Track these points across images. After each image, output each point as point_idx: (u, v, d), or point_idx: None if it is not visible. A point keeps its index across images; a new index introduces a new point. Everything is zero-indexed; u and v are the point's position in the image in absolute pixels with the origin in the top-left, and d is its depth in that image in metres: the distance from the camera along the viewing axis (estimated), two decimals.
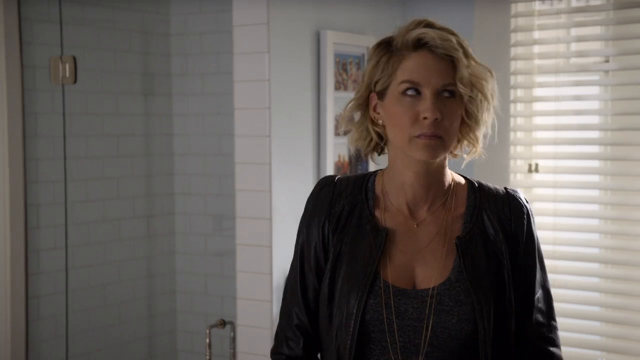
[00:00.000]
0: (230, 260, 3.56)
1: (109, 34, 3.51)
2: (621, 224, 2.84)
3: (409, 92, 1.51)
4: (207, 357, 3.04)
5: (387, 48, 1.56)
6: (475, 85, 1.54)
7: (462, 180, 1.62)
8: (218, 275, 3.68)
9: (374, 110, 1.58)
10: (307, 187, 2.76)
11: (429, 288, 1.52)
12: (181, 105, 3.72)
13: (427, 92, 1.51)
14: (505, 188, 1.63)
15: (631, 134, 2.83)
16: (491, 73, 1.57)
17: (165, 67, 3.71)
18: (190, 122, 3.71)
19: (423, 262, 1.55)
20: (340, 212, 1.56)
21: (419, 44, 1.53)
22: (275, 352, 1.64)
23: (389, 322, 1.51)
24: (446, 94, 1.52)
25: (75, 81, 3.23)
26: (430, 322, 1.52)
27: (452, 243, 1.55)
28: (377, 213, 1.56)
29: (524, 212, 1.59)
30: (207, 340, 3.03)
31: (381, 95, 1.55)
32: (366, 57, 2.92)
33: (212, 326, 3.04)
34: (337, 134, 2.82)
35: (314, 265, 1.58)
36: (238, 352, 2.85)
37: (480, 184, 1.62)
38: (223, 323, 3.04)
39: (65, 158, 3.29)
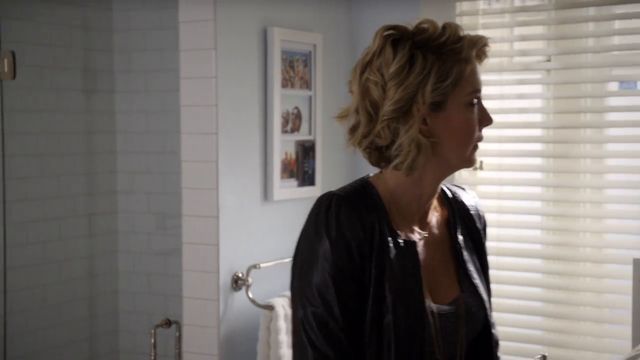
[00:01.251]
0: (175, 259, 3.52)
1: (49, 29, 3.44)
2: (562, 220, 2.90)
3: (474, 102, 1.48)
4: (152, 357, 3.00)
5: (434, 54, 1.44)
6: None
7: None
8: (162, 274, 3.64)
9: (423, 124, 1.46)
10: (254, 185, 2.76)
11: (456, 300, 1.52)
12: (124, 102, 3.67)
13: (480, 100, 1.50)
14: (462, 187, 1.66)
15: (572, 132, 2.89)
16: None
17: (107, 63, 3.66)
18: (133, 119, 3.66)
19: (440, 273, 1.54)
20: (372, 231, 1.44)
21: (480, 51, 1.49)
22: None
23: (436, 341, 1.49)
24: None
25: (14, 77, 3.15)
26: (463, 333, 1.52)
27: (451, 250, 1.56)
28: (395, 225, 1.48)
29: (482, 208, 1.64)
30: (152, 340, 2.98)
31: (437, 106, 1.45)
32: (314, 55, 2.91)
33: (157, 326, 3.00)
34: (284, 131, 2.81)
35: (354, 287, 1.43)
36: (184, 352, 2.82)
37: (445, 185, 1.63)
38: (168, 323, 3.00)
39: (3, 156, 3.21)
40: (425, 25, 1.48)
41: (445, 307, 1.50)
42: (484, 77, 2.90)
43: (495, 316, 2.99)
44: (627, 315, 2.67)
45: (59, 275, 3.50)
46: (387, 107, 1.44)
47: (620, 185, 2.82)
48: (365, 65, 1.49)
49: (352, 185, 1.52)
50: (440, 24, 1.49)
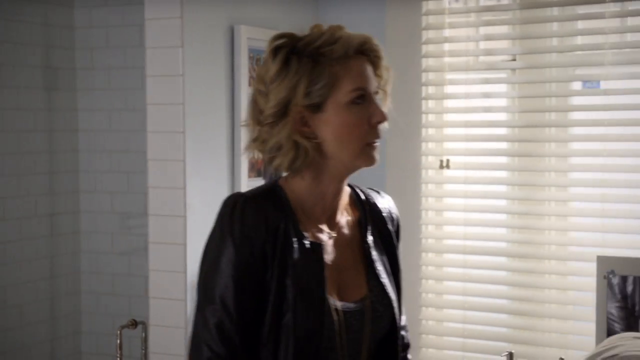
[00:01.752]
0: (139, 259, 3.49)
1: (9, 26, 3.38)
2: (527, 218, 2.92)
3: (358, 101, 1.50)
4: (118, 358, 2.96)
5: (310, 57, 1.49)
6: (386, 83, 1.58)
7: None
8: (126, 274, 3.61)
9: (303, 125, 1.51)
10: (222, 184, 2.74)
11: (364, 298, 1.53)
12: (86, 100, 3.63)
13: (370, 97, 1.52)
14: (376, 189, 1.70)
15: (537, 131, 2.91)
16: (390, 71, 1.59)
17: (69, 60, 3.61)
18: (96, 117, 3.62)
19: (348, 273, 1.56)
20: (275, 231, 1.48)
21: (360, 50, 1.52)
22: None
23: (340, 337, 1.50)
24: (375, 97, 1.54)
25: None
26: (368, 331, 1.53)
27: (360, 250, 1.59)
28: (302, 227, 1.52)
29: (397, 211, 1.70)
30: (118, 341, 2.95)
31: (316, 107, 1.49)
32: None
33: (123, 327, 2.96)
34: None
35: (255, 287, 1.47)
36: (150, 353, 2.79)
37: (358, 188, 1.67)
38: (134, 323, 2.97)
39: None
40: (311, 31, 1.53)
41: (351, 305, 1.52)
42: (450, 76, 2.98)
43: (462, 314, 3.04)
44: (591, 312, 2.71)
45: (20, 276, 3.44)
46: (266, 112, 1.50)
47: (584, 184, 2.86)
48: (257, 76, 1.55)
49: (261, 187, 1.58)
50: (328, 27, 1.54)
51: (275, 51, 1.51)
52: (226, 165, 2.74)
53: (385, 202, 1.68)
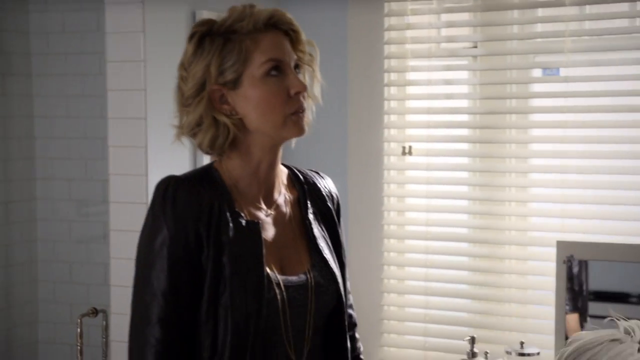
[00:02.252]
0: (97, 247, 3.46)
1: None
2: (488, 204, 2.95)
3: (273, 72, 1.52)
4: (78, 347, 2.93)
5: (221, 36, 1.52)
6: (312, 59, 1.60)
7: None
8: (84, 262, 3.57)
9: (223, 103, 1.53)
10: (184, 170, 2.70)
11: (306, 272, 1.55)
12: (42, 86, 3.57)
13: (288, 69, 1.54)
14: (315, 170, 1.74)
15: (498, 118, 2.94)
16: (315, 46, 1.63)
17: (24, 46, 3.53)
18: (52, 103, 3.56)
19: (289, 249, 1.59)
20: (210, 211, 1.49)
21: (269, 23, 1.54)
22: None
23: (283, 312, 1.51)
24: (296, 70, 1.56)
25: None
26: (313, 306, 1.55)
27: (301, 227, 1.62)
28: (238, 206, 1.53)
29: (336, 191, 1.74)
30: (78, 330, 2.91)
31: (233, 84, 1.52)
32: None
33: (83, 315, 2.93)
34: None
35: (190, 269, 1.48)
36: (111, 341, 2.76)
37: (296, 168, 1.70)
38: (95, 312, 2.94)
39: None
40: (227, 13, 1.57)
41: (293, 279, 1.54)
42: (412, 62, 2.98)
43: (424, 300, 3.06)
44: (551, 296, 2.75)
45: None
46: (185, 94, 1.53)
47: (543, 170, 2.89)
48: (179, 64, 1.59)
49: (195, 169, 1.62)
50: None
51: (191, 36, 1.55)
52: (188, 152, 2.71)
53: (324, 182, 1.72)
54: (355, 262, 3.11)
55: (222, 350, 1.46)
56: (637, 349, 1.71)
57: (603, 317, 2.63)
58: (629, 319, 1.79)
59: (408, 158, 3.04)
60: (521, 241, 2.92)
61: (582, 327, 2.65)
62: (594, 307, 2.68)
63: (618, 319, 1.80)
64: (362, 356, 1.73)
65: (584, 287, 2.67)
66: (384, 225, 3.07)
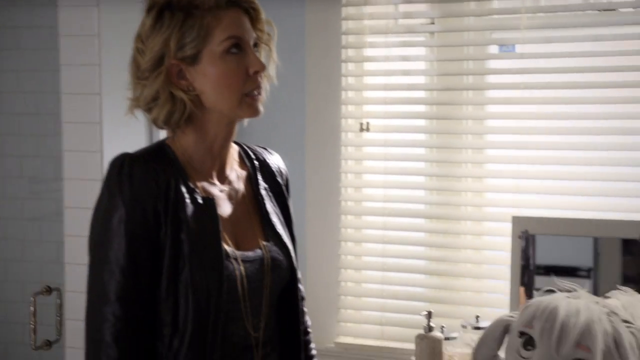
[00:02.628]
0: (50, 225, 3.40)
1: None
2: (445, 180, 2.97)
3: (233, 50, 1.52)
4: (32, 326, 2.88)
5: (182, 11, 1.50)
6: (270, 39, 1.61)
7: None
8: (36, 240, 3.51)
9: (181, 78, 1.52)
10: (140, 146, 2.67)
11: (261, 247, 1.56)
12: None
13: (248, 47, 1.54)
14: (263, 147, 1.76)
15: (454, 94, 2.94)
16: (274, 26, 1.63)
17: None
18: (2, 79, 3.47)
19: (244, 225, 1.60)
20: (166, 188, 1.49)
21: (231, 0, 1.53)
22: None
23: (242, 287, 1.52)
24: (254, 48, 1.56)
25: None
26: (269, 280, 1.56)
27: (254, 203, 1.63)
28: (193, 183, 1.53)
29: (285, 167, 1.76)
30: (32, 309, 2.87)
31: (192, 59, 1.51)
32: None
33: (37, 293, 2.88)
34: None
35: (149, 246, 1.48)
36: (66, 320, 2.73)
37: (246, 145, 1.72)
38: (49, 290, 2.89)
39: None
40: None
41: (249, 254, 1.56)
42: (370, 39, 2.97)
43: (381, 275, 3.07)
44: (506, 271, 2.79)
45: None
46: (142, 67, 1.52)
47: (499, 146, 2.91)
48: (136, 35, 1.58)
49: (148, 146, 1.60)
50: None
51: (150, 8, 1.53)
52: (144, 127, 2.67)
53: (273, 159, 1.73)
54: (313, 239, 3.12)
55: (183, 326, 1.46)
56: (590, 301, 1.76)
57: (551, 292, 2.69)
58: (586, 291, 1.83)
59: (365, 134, 3.04)
60: (477, 216, 2.94)
61: (528, 300, 2.69)
62: (542, 281, 2.73)
63: (562, 284, 1.85)
64: (309, 329, 1.75)
65: (531, 262, 2.72)
66: (341, 202, 3.07)
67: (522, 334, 1.80)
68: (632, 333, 1.73)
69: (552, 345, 1.68)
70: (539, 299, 1.85)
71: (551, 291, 1.90)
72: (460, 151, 2.95)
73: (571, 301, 1.78)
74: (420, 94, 3.01)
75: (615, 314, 1.78)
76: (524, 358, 1.78)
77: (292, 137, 3.10)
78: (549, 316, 1.73)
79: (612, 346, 1.69)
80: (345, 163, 3.08)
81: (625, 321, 1.78)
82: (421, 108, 3.01)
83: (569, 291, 1.88)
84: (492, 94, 2.92)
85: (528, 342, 1.78)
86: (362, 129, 3.01)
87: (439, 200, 2.98)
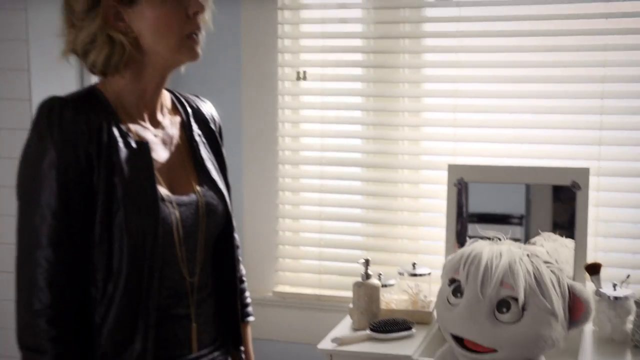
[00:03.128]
0: None
1: None
2: (382, 129, 2.97)
3: None
4: None
5: None
6: None
7: None
8: None
9: (118, 20, 1.48)
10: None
11: (196, 192, 1.55)
12: None
13: None
14: (195, 94, 1.73)
15: (390, 42, 2.93)
16: None
17: None
18: None
19: (178, 171, 1.58)
20: (98, 131, 1.46)
21: None
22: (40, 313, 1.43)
23: (177, 231, 1.51)
24: None
25: None
26: (204, 225, 1.55)
27: (188, 149, 1.61)
28: (125, 127, 1.50)
29: (217, 114, 1.74)
30: None
31: (130, 0, 1.47)
32: None
33: None
34: None
35: (81, 190, 1.45)
36: None
37: (177, 92, 1.69)
38: None
39: None
40: None
41: (184, 198, 1.55)
42: None
43: (319, 224, 3.08)
44: (442, 218, 2.82)
45: None
46: (76, 9, 1.47)
47: (436, 94, 2.92)
48: None
49: (78, 90, 1.55)
50: None
51: None
52: (74, 73, 2.60)
53: (206, 106, 1.72)
54: (250, 188, 3.10)
55: (118, 270, 1.44)
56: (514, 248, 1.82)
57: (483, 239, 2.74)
58: (510, 239, 1.89)
59: (302, 83, 3.01)
60: (414, 165, 2.96)
61: (461, 247, 2.73)
62: (476, 229, 2.77)
63: (492, 238, 1.91)
64: (244, 278, 1.75)
65: (464, 209, 2.75)
66: (278, 151, 3.06)
67: (451, 281, 1.85)
68: (552, 272, 1.79)
69: (477, 287, 1.73)
70: (464, 248, 1.89)
71: (477, 239, 1.94)
72: (398, 100, 2.95)
73: (494, 246, 1.84)
74: (357, 42, 2.99)
75: (536, 255, 1.84)
76: (452, 305, 1.82)
77: (228, 86, 3.06)
78: (473, 261, 1.79)
79: (534, 284, 1.75)
80: (282, 112, 3.06)
81: (546, 262, 1.84)
82: (358, 56, 2.99)
83: (494, 239, 1.93)
84: (428, 42, 2.91)
85: (457, 289, 1.83)
86: (298, 78, 2.99)
87: (376, 149, 2.99)
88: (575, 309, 1.83)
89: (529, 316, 1.75)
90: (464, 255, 1.83)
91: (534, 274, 1.76)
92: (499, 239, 1.88)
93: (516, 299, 1.72)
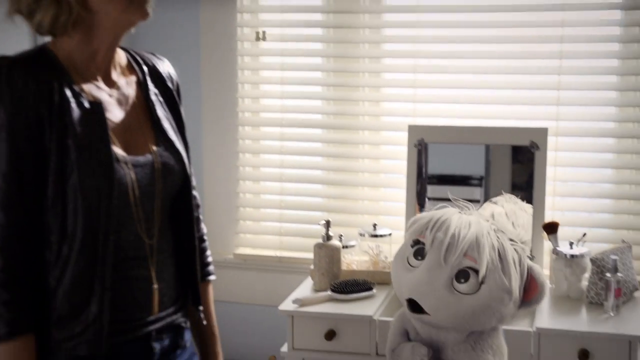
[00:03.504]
0: None
1: None
2: (342, 90, 2.96)
3: None
4: None
5: None
6: None
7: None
8: None
9: None
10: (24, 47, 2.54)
11: (152, 153, 1.53)
12: None
13: None
14: (152, 52, 1.69)
15: (351, 1, 2.90)
16: None
17: None
18: None
19: (134, 131, 1.55)
20: (50, 91, 1.42)
21: None
22: None
23: (133, 192, 1.48)
24: None
25: None
26: (161, 185, 1.53)
27: (144, 109, 1.58)
28: (78, 87, 1.47)
29: (175, 73, 1.69)
30: None
31: None
32: None
33: None
34: None
35: (33, 151, 1.41)
36: None
37: (133, 51, 1.65)
38: None
39: None
40: None
41: (140, 159, 1.52)
42: None
43: (280, 186, 3.08)
44: (403, 180, 2.83)
45: None
46: None
47: (396, 55, 2.91)
48: None
49: (27, 50, 1.50)
50: None
51: None
52: (27, 30, 2.54)
53: (163, 65, 1.68)
54: (210, 150, 3.08)
55: (72, 232, 1.42)
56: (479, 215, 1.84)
57: (442, 200, 2.76)
58: (469, 200, 1.91)
59: (262, 44, 2.98)
60: (374, 126, 2.96)
61: (421, 208, 2.75)
62: (436, 190, 2.79)
63: (456, 200, 1.92)
64: (205, 237, 1.73)
65: (424, 171, 2.77)
66: (238, 113, 3.03)
67: (415, 242, 1.86)
68: (515, 250, 1.82)
69: (441, 254, 1.74)
70: (432, 212, 1.90)
71: (446, 205, 1.95)
72: (358, 60, 2.94)
73: (463, 215, 1.84)
74: (317, 1, 2.96)
75: (503, 232, 1.86)
76: (411, 266, 1.83)
77: (187, 47, 3.01)
78: (441, 227, 1.79)
79: (497, 260, 1.77)
80: (242, 73, 3.02)
81: (511, 240, 1.85)
82: (318, 16, 2.96)
83: (463, 209, 1.94)
84: (388, 1, 2.89)
85: (419, 252, 1.84)
86: (258, 38, 2.96)
87: (337, 110, 2.98)
88: (530, 289, 1.86)
89: (486, 290, 1.77)
90: (432, 219, 1.83)
91: (498, 250, 1.78)
92: (468, 209, 1.89)
93: (477, 272, 1.73)
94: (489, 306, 1.76)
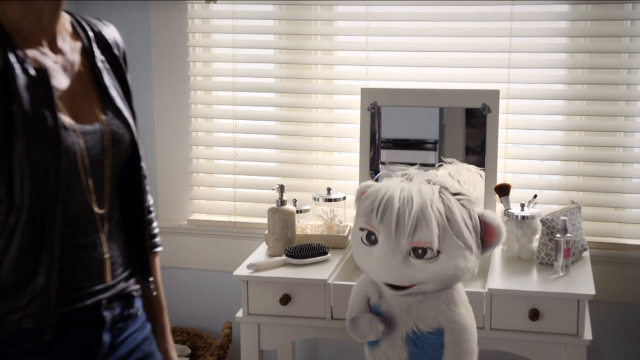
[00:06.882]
0: None
1: None
2: (294, 53, 2.93)
3: None
4: None
5: None
6: None
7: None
8: None
9: None
10: None
11: (100, 122, 1.50)
12: None
13: None
14: (98, 18, 1.65)
15: None
16: None
17: None
18: None
19: (81, 99, 1.51)
20: None
21: None
22: None
23: (81, 160, 1.46)
24: None
25: None
26: (109, 154, 1.51)
27: (90, 76, 1.54)
28: (22, 52, 1.42)
29: (121, 39, 1.67)
30: None
31: None
32: None
33: None
34: None
35: None
36: None
37: (79, 15, 1.61)
38: None
39: None
40: None
41: (88, 127, 1.49)
42: None
43: (233, 151, 3.06)
44: (356, 144, 2.83)
45: None
46: None
47: (348, 17, 2.89)
48: None
49: None
50: None
51: None
52: None
53: (109, 30, 1.64)
54: (162, 115, 3.04)
55: (19, 202, 1.38)
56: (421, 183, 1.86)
57: (397, 164, 2.77)
58: (423, 165, 1.93)
59: (213, 6, 2.93)
60: (327, 90, 2.94)
61: (374, 174, 2.76)
62: (391, 154, 2.79)
63: (403, 169, 1.95)
64: (152, 209, 1.72)
65: (377, 135, 2.77)
66: (190, 77, 2.99)
67: (362, 229, 1.89)
68: (462, 205, 1.84)
69: (391, 240, 1.77)
70: (375, 188, 1.91)
71: (388, 173, 1.97)
72: (310, 23, 2.91)
73: (404, 187, 1.85)
74: None
75: (446, 188, 1.87)
76: (367, 246, 1.87)
77: (135, 10, 2.95)
78: (385, 209, 1.82)
79: (446, 225, 1.80)
80: (193, 36, 2.98)
81: (456, 194, 1.88)
82: None
83: (404, 175, 1.96)
84: None
85: (369, 236, 1.88)
86: (208, 0, 2.90)
87: (289, 73, 2.95)
88: (488, 234, 1.90)
89: (445, 256, 1.80)
90: (375, 201, 1.85)
91: (445, 214, 1.81)
92: (408, 175, 1.90)
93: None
94: (453, 266, 1.82)
